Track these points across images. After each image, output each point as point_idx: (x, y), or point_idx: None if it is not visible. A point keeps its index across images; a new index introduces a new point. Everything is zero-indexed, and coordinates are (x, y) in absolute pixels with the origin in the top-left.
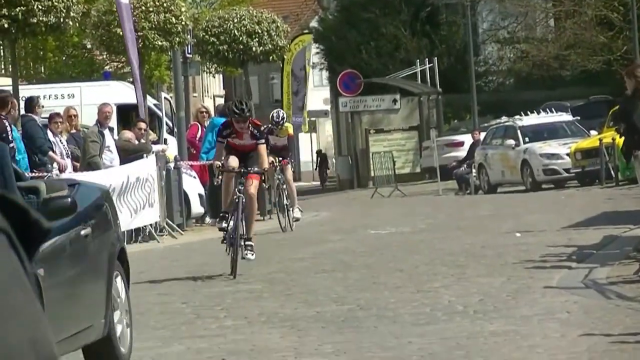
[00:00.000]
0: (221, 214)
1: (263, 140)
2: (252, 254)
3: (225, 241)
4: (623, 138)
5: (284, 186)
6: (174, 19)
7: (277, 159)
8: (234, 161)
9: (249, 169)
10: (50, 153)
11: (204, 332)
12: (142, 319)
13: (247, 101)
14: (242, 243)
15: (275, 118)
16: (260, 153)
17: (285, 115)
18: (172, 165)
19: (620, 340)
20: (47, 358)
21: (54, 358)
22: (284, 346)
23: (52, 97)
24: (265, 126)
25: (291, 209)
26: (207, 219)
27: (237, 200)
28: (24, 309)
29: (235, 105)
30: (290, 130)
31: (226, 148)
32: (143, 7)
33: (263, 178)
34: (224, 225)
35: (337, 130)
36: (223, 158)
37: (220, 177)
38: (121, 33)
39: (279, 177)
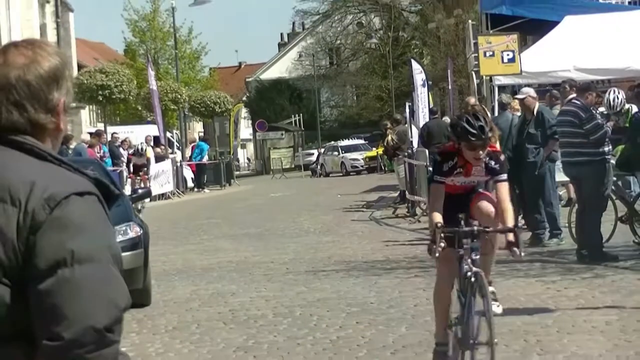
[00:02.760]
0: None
1: (505, 176)
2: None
3: None
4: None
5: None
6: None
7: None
8: (438, 215)
9: (483, 226)
10: None
11: None
12: None
13: (484, 114)
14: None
15: (140, 151)
16: (503, 197)
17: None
18: None
19: (385, 245)
20: (117, 257)
21: (120, 257)
22: (207, 264)
23: None
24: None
25: None
26: None
27: (472, 278)
28: (110, 233)
29: (467, 121)
30: (149, 154)
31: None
32: None
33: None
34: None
35: (255, 147)
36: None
37: (441, 245)
38: None
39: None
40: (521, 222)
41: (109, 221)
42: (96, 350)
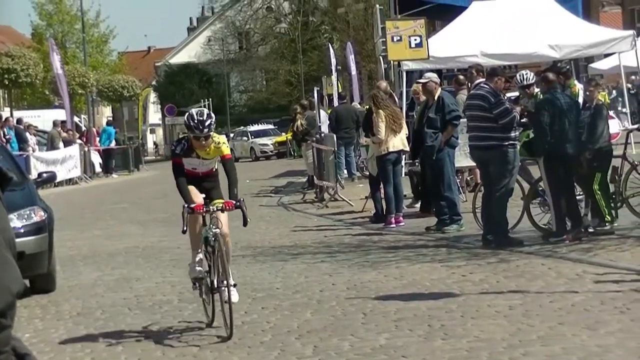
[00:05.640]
0: None
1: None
2: None
3: None
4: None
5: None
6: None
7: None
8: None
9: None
10: None
11: None
12: None
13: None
14: None
15: (198, 116)
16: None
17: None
18: None
19: (293, 231)
20: (10, 241)
21: (13, 241)
22: (113, 249)
23: None
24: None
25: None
26: None
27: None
28: (3, 217)
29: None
30: (226, 150)
31: None
32: None
33: None
34: None
35: (165, 132)
36: None
37: None
38: None
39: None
40: (416, 206)
41: (3, 205)
42: None
